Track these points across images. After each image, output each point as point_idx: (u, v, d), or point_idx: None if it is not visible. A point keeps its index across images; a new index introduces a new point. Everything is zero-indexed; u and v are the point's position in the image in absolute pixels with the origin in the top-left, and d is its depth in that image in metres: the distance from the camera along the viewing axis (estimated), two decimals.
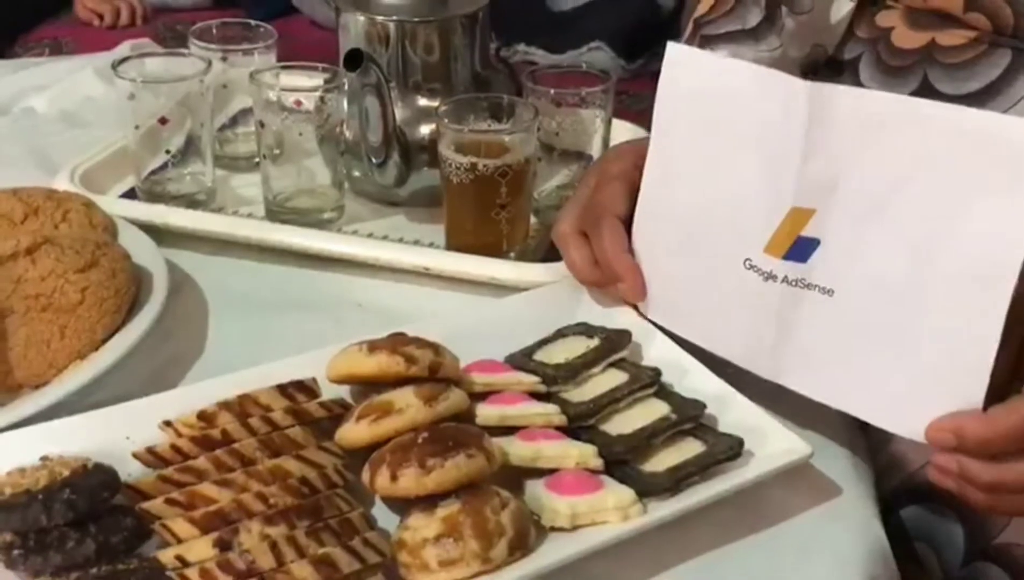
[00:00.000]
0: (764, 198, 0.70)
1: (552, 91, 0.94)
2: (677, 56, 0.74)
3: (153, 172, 0.99)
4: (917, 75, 0.88)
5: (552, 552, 0.62)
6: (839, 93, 0.67)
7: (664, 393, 0.73)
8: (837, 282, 0.68)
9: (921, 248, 0.64)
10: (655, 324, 0.79)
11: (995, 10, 0.83)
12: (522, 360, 0.76)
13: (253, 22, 1.10)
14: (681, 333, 0.77)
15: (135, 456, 0.66)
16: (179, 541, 0.61)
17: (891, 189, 0.65)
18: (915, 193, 0.64)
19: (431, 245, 0.94)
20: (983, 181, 0.62)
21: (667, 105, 0.76)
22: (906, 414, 0.65)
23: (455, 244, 0.92)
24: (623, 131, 1.03)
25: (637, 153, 0.79)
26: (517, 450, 0.66)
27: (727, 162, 0.72)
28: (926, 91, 0.88)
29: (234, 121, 1.10)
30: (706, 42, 0.94)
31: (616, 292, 0.79)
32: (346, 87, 0.94)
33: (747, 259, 0.71)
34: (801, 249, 0.68)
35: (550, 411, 0.70)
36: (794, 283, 0.69)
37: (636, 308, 0.80)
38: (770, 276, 0.70)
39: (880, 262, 0.66)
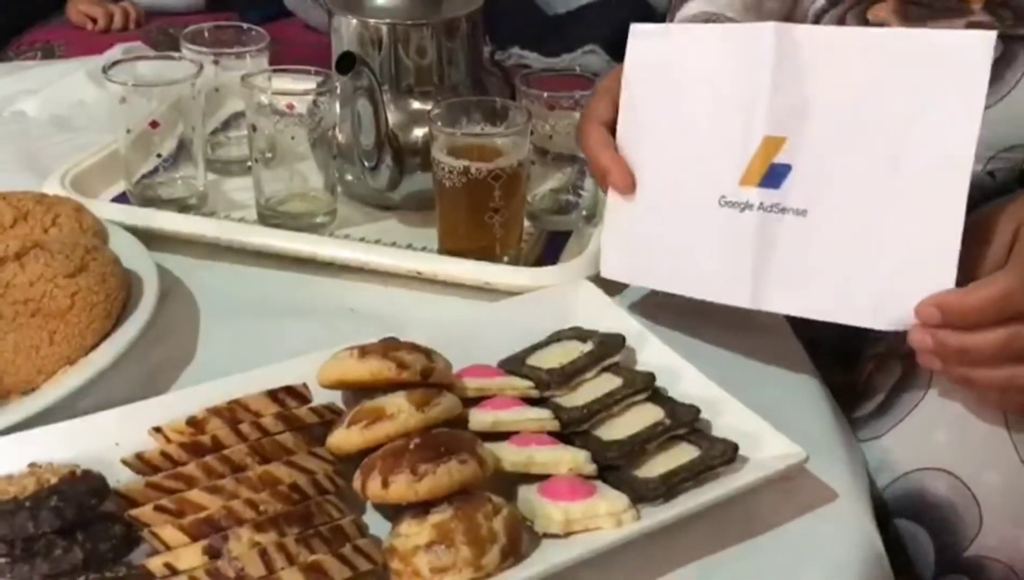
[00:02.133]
0: (737, 135, 0.75)
1: (545, 94, 0.94)
2: (641, 31, 0.80)
3: (144, 176, 0.98)
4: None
5: (545, 558, 0.61)
6: (801, 29, 0.73)
7: (658, 398, 0.72)
8: (810, 202, 0.73)
9: (885, 157, 0.71)
10: (649, 323, 0.79)
11: None
12: (515, 365, 0.76)
13: (245, 25, 1.09)
14: (656, 286, 0.81)
15: (124, 463, 0.66)
16: (168, 548, 0.60)
17: (854, 110, 0.71)
18: (875, 110, 0.71)
19: (424, 249, 0.93)
20: (933, 88, 0.69)
21: (633, 78, 0.81)
22: (887, 309, 0.70)
23: (448, 248, 0.92)
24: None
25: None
26: (510, 456, 0.66)
27: (696, 116, 0.77)
28: None
29: (226, 125, 1.09)
30: (685, 1, 0.96)
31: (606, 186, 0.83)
32: (338, 90, 0.94)
33: (722, 196, 0.76)
34: (775, 176, 0.74)
35: (543, 416, 0.70)
36: (769, 209, 0.74)
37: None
38: (746, 206, 0.75)
39: (849, 177, 0.72)
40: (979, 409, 0.73)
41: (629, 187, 0.81)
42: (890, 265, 0.71)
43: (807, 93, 0.72)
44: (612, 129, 0.83)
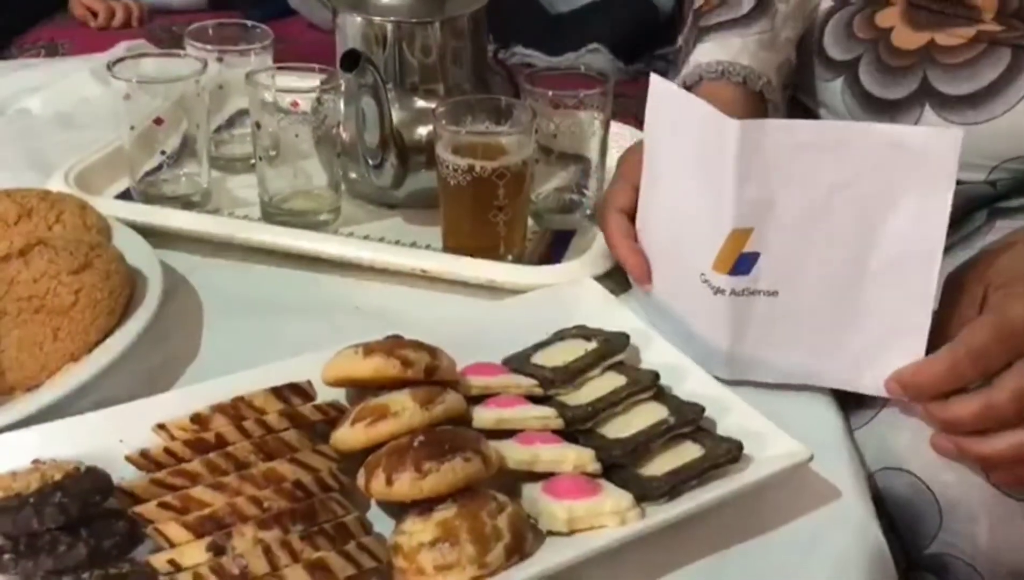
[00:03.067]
0: (709, 220, 0.75)
1: (550, 93, 0.94)
2: (657, 88, 0.80)
3: (148, 173, 0.98)
4: (917, 75, 0.88)
5: (549, 557, 0.61)
6: (768, 125, 0.73)
7: (662, 396, 0.72)
8: (780, 285, 0.74)
9: (853, 248, 0.73)
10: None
11: None
12: (519, 363, 0.76)
13: (249, 23, 1.09)
14: (664, 336, 0.81)
15: (128, 459, 0.66)
16: (172, 545, 0.60)
17: (822, 201, 0.72)
18: (843, 202, 0.72)
19: (428, 247, 0.93)
20: (902, 184, 0.70)
21: (651, 132, 0.81)
22: (862, 376, 0.75)
23: (452, 246, 0.92)
24: (621, 134, 1.03)
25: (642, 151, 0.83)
26: (514, 454, 0.66)
27: (684, 185, 0.78)
28: (926, 92, 0.88)
29: (230, 122, 1.09)
30: (703, 33, 0.95)
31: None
32: (343, 88, 0.93)
33: (701, 273, 0.76)
34: (744, 264, 0.74)
35: (547, 414, 0.69)
36: (741, 293, 0.75)
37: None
38: (719, 290, 0.75)
39: (817, 263, 0.73)
40: None
41: (645, 278, 0.82)
42: (862, 340, 0.74)
43: (773, 186, 0.72)
44: (632, 215, 0.84)
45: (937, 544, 0.74)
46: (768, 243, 0.73)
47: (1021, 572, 0.72)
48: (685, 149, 0.77)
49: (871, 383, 0.75)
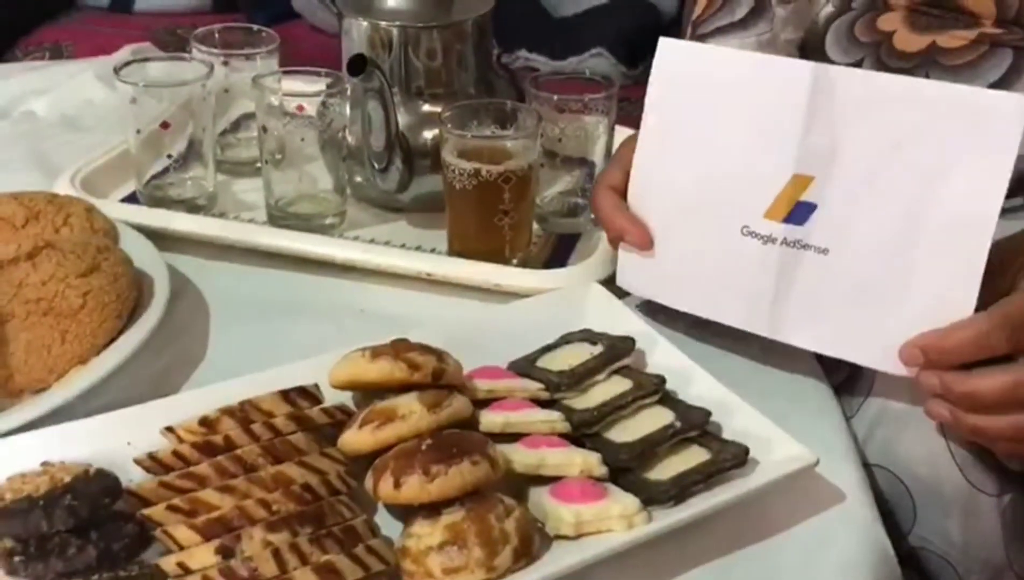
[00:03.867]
0: (765, 168, 0.75)
1: (555, 97, 0.94)
2: (669, 47, 0.80)
3: (154, 176, 0.98)
4: (919, 77, 0.88)
5: (556, 560, 0.61)
6: (838, 71, 0.74)
7: (668, 401, 0.72)
8: (832, 242, 0.74)
9: (910, 208, 0.71)
10: (659, 325, 0.79)
11: None
12: (525, 367, 0.76)
13: (255, 27, 1.09)
14: (672, 304, 0.81)
15: (137, 462, 0.66)
16: (181, 548, 0.60)
17: (884, 157, 0.72)
18: (905, 159, 0.71)
19: (433, 251, 0.93)
20: (963, 144, 0.70)
21: (659, 92, 0.81)
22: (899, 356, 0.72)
23: (457, 250, 0.92)
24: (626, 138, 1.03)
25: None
26: (521, 457, 0.66)
27: (723, 141, 0.78)
28: None
29: (236, 126, 1.09)
30: (701, 40, 0.96)
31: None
32: (349, 92, 0.94)
33: (744, 226, 0.76)
34: (800, 213, 0.74)
35: (554, 418, 0.70)
36: (792, 244, 0.75)
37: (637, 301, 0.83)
38: (769, 239, 0.76)
39: (872, 222, 0.73)
40: (914, 409, 0.74)
41: (647, 245, 0.81)
42: (905, 315, 0.71)
43: (838, 135, 0.73)
44: (623, 195, 0.83)
45: (912, 539, 0.75)
46: (826, 195, 0.73)
47: (994, 565, 0.74)
48: (723, 103, 0.77)
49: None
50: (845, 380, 0.82)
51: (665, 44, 0.80)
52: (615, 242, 0.84)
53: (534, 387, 0.73)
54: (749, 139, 0.76)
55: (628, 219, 0.82)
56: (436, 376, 0.69)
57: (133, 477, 0.65)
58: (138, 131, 0.96)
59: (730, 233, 0.77)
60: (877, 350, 0.73)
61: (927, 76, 0.89)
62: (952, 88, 0.72)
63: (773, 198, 0.75)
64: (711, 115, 0.78)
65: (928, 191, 0.71)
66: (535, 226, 0.94)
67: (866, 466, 0.75)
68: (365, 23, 0.96)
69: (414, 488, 0.61)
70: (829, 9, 0.98)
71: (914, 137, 0.71)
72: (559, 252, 0.96)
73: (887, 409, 0.77)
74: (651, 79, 0.81)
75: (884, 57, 0.92)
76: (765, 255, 0.76)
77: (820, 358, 0.81)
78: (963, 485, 0.72)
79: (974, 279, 0.69)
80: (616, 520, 0.63)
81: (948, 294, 0.70)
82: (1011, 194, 0.70)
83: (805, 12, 0.98)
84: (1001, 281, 0.71)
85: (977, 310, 0.69)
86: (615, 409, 0.71)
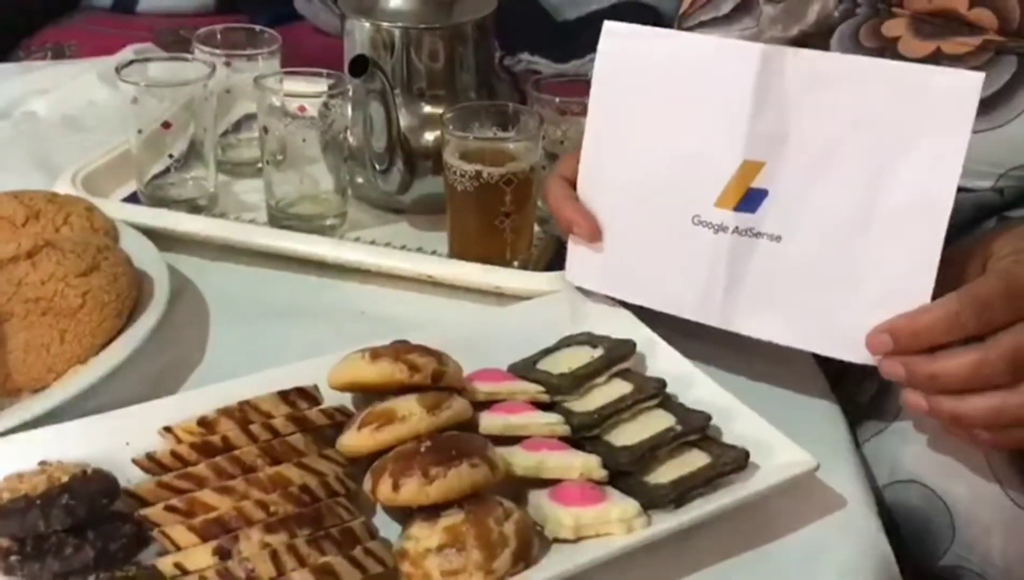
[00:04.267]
0: (714, 155, 0.73)
1: (557, 100, 0.94)
2: (614, 31, 0.79)
3: (155, 176, 0.98)
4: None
5: (555, 564, 0.61)
6: (788, 52, 0.72)
7: (669, 404, 0.72)
8: (785, 229, 0.72)
9: (864, 191, 0.70)
10: (659, 333, 0.78)
11: (1002, 4, 0.83)
12: (525, 369, 0.76)
13: (258, 27, 1.09)
14: (623, 297, 0.80)
15: (135, 462, 0.66)
16: (178, 548, 0.60)
17: (836, 139, 0.70)
18: (858, 141, 0.70)
19: (434, 253, 0.93)
20: (917, 124, 0.68)
21: (605, 77, 0.79)
22: (858, 343, 0.70)
23: (458, 252, 0.92)
24: None
25: None
26: (521, 460, 0.66)
27: (672, 126, 0.76)
28: None
29: (237, 126, 1.09)
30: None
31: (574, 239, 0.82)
32: (350, 93, 0.94)
33: (695, 216, 0.75)
34: (751, 200, 0.73)
35: (554, 421, 0.70)
36: (744, 233, 0.73)
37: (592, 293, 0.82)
38: (720, 228, 0.74)
39: (826, 207, 0.71)
40: None
41: (596, 237, 0.80)
42: (861, 301, 0.70)
43: (789, 119, 0.71)
44: (575, 183, 0.82)
45: (950, 557, 0.73)
46: (778, 180, 0.72)
47: None
48: (670, 89, 0.75)
49: (864, 354, 0.71)
50: (876, 393, 0.80)
51: (609, 27, 0.78)
52: (564, 232, 0.82)
53: (534, 390, 0.73)
54: (698, 124, 0.74)
55: (577, 210, 0.80)
56: (436, 378, 0.69)
57: (131, 477, 0.65)
58: (139, 131, 0.95)
59: (681, 223, 0.75)
60: (833, 338, 0.72)
61: None
62: (904, 67, 0.70)
63: (723, 186, 0.73)
64: (659, 101, 0.76)
65: (882, 173, 0.69)
66: (536, 229, 0.94)
67: (899, 483, 0.74)
68: (367, 24, 0.96)
69: (413, 490, 0.61)
70: (834, 14, 0.98)
71: (867, 118, 0.69)
72: (560, 255, 0.95)
73: (921, 423, 0.75)
74: (596, 64, 0.79)
75: None
76: (717, 244, 0.74)
77: (847, 374, 0.79)
78: (1004, 502, 0.70)
79: (930, 263, 0.68)
80: (615, 524, 0.62)
81: (904, 279, 0.69)
82: None
83: (797, 13, 0.97)
84: (972, 269, 0.69)
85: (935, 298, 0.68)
86: (615, 412, 0.70)
